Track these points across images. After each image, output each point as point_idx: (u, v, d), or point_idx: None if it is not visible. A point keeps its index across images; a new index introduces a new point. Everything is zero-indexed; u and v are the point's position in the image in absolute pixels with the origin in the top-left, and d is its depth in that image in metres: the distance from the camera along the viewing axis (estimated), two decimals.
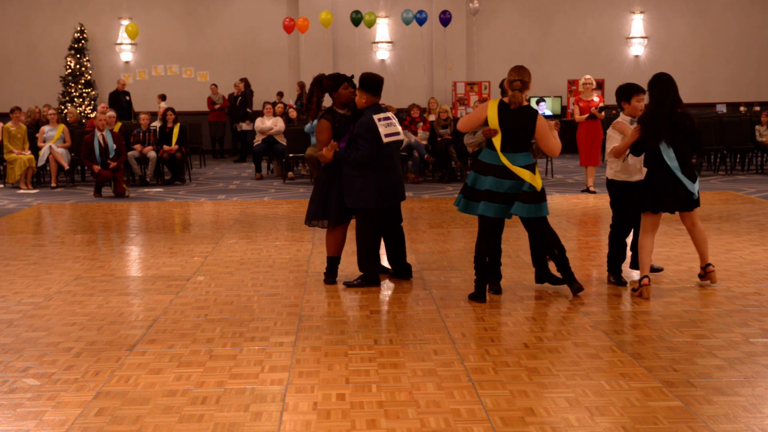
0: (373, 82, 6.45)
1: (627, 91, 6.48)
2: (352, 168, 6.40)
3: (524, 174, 5.91)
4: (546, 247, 6.20)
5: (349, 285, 6.61)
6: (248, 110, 19.11)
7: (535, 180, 5.93)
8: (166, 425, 3.93)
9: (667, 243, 8.13)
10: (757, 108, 19.00)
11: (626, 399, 4.17)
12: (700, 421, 3.88)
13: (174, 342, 5.24)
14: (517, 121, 5.95)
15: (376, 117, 6.38)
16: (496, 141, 5.94)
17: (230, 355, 4.95)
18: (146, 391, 4.37)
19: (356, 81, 6.55)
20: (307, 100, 6.59)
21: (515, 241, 8.45)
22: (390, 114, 6.58)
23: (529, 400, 4.17)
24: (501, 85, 6.67)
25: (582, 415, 3.97)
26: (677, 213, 6.29)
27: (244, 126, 18.86)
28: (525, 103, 5.99)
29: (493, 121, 5.94)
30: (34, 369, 4.75)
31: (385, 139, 6.38)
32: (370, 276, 6.60)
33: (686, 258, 7.49)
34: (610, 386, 4.35)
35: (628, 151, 6.31)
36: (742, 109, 19.32)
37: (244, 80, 19.18)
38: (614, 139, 6.50)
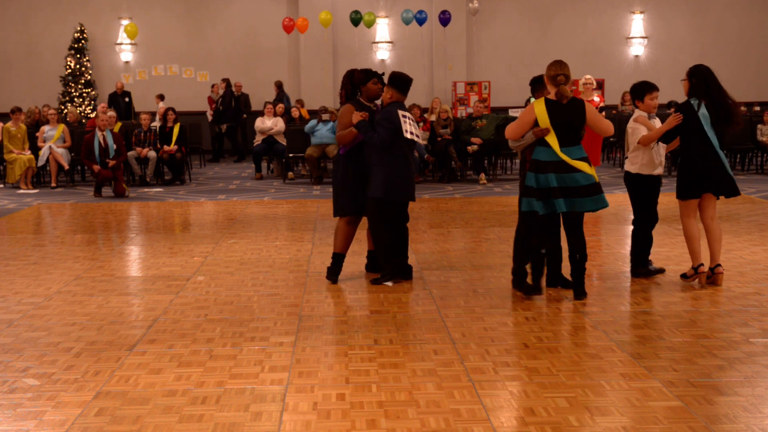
0: (402, 81, 6.68)
1: (641, 90, 6.72)
2: (371, 158, 6.58)
3: (584, 166, 5.99)
4: (580, 244, 6.22)
5: (377, 282, 6.67)
6: (243, 111, 19.29)
7: (592, 171, 6.03)
8: (166, 425, 3.93)
9: (667, 243, 8.13)
10: (757, 108, 18.99)
11: (626, 399, 4.17)
12: (700, 421, 3.88)
13: (174, 342, 5.24)
14: (569, 114, 6.00)
15: (400, 112, 6.58)
16: (551, 138, 5.97)
17: (230, 355, 4.95)
18: (146, 391, 4.37)
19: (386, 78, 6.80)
20: (342, 87, 6.85)
21: None
22: (410, 115, 6.73)
23: (529, 400, 4.17)
24: (533, 83, 6.54)
25: (582, 415, 3.97)
26: (698, 204, 6.50)
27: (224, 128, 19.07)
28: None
29: (544, 120, 5.96)
30: (34, 369, 4.75)
31: (406, 134, 6.53)
32: (395, 269, 6.67)
33: (686, 258, 7.47)
34: (610, 386, 4.35)
35: (655, 142, 6.54)
36: (742, 109, 19.31)
37: (226, 80, 19.14)
38: (639, 131, 6.63)
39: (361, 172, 6.67)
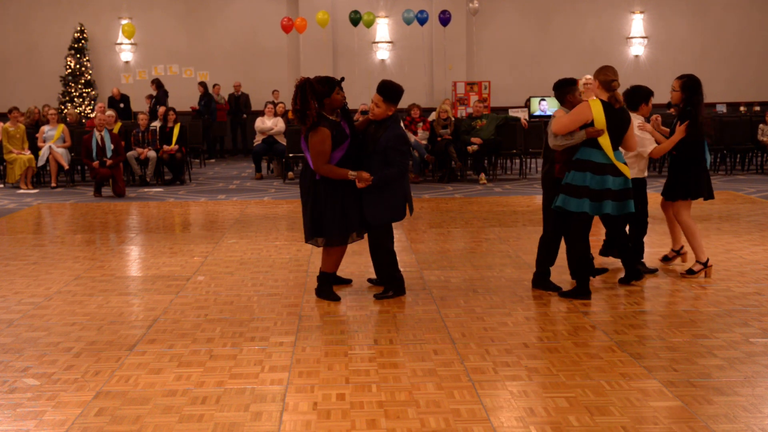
0: (396, 93, 6.06)
1: (644, 96, 6.89)
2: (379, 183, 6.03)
3: (627, 170, 6.11)
4: (624, 237, 6.46)
5: (379, 298, 6.25)
6: (243, 111, 19.28)
7: (629, 175, 6.24)
8: (166, 425, 3.93)
9: (667, 243, 8.12)
10: (757, 108, 19.00)
11: (626, 399, 4.17)
12: (700, 421, 3.88)
13: (174, 342, 5.24)
14: (620, 119, 6.10)
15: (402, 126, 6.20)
16: (605, 140, 6.02)
17: (230, 355, 4.95)
18: (146, 391, 4.37)
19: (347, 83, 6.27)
20: (301, 106, 5.83)
21: (515, 241, 8.46)
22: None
23: (529, 400, 4.17)
24: (560, 86, 6.37)
25: (582, 415, 3.97)
26: (663, 202, 7.14)
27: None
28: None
29: (601, 121, 5.99)
30: (34, 369, 4.75)
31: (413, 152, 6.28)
32: (399, 285, 6.32)
33: (686, 258, 7.48)
34: (610, 386, 4.35)
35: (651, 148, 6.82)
36: (742, 109, 19.32)
37: (203, 84, 19.12)
38: (648, 140, 6.81)
39: (344, 196, 6.03)
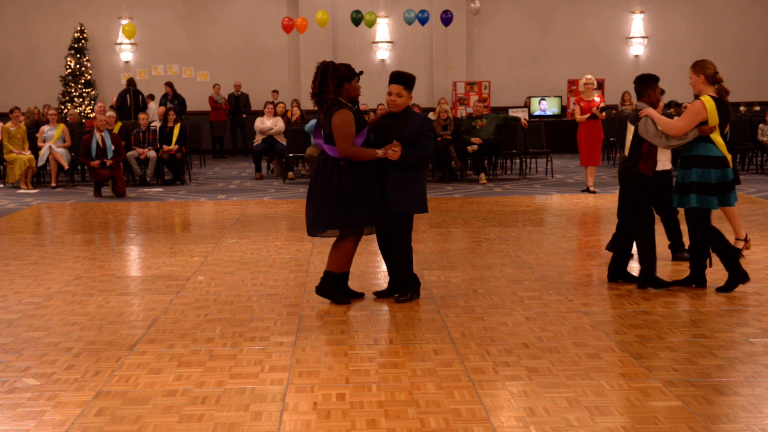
0: (414, 80, 5.99)
1: (653, 82, 6.69)
2: (404, 171, 5.87)
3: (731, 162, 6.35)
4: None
5: (403, 301, 6.08)
6: (243, 111, 19.34)
7: None
8: (166, 425, 3.93)
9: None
10: (757, 108, 18.99)
11: (626, 399, 4.17)
12: (700, 421, 3.88)
13: (174, 342, 5.24)
14: (726, 112, 6.22)
15: None
16: (717, 135, 6.18)
17: (230, 355, 4.95)
18: (146, 391, 4.37)
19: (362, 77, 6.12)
20: (320, 88, 5.74)
21: (515, 241, 8.46)
22: None
23: (529, 400, 4.17)
24: (643, 80, 6.46)
25: (582, 415, 3.97)
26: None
27: None
28: None
29: (714, 117, 6.11)
30: (33, 369, 4.75)
31: None
32: (418, 286, 6.18)
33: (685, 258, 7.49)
34: (610, 386, 4.35)
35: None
36: (742, 109, 19.31)
37: (169, 84, 19.10)
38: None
39: (373, 182, 5.90)
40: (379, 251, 6.46)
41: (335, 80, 5.73)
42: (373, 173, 5.89)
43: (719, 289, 6.31)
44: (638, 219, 6.37)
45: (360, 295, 6.27)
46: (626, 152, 6.72)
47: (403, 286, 6.14)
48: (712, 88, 6.21)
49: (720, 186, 6.20)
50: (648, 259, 6.37)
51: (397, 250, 6.03)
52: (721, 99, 6.18)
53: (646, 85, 6.42)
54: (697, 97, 6.28)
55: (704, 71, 6.22)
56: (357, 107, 5.97)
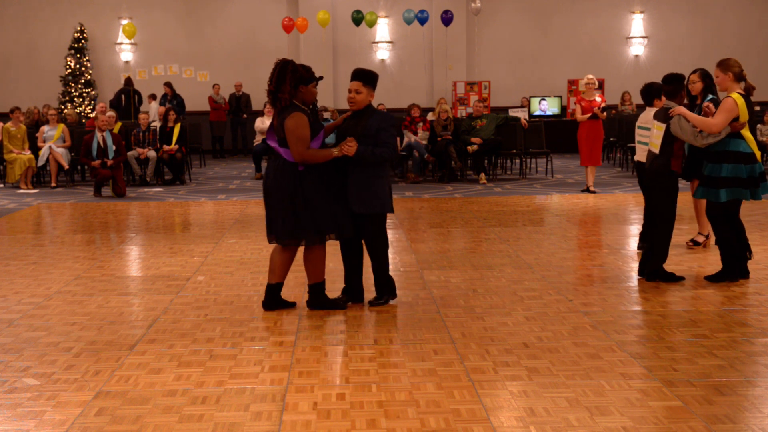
0: (375, 76, 5.80)
1: (658, 90, 7.25)
2: (365, 170, 5.73)
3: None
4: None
5: (378, 304, 5.99)
6: (243, 111, 19.40)
7: None
8: (166, 425, 3.93)
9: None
10: (757, 108, 18.96)
11: (626, 399, 4.17)
12: (700, 421, 3.88)
13: (174, 342, 5.24)
14: (753, 108, 6.35)
15: None
16: (747, 131, 6.35)
17: (230, 355, 4.95)
18: (146, 391, 4.37)
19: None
20: (276, 86, 5.55)
21: (515, 241, 8.46)
22: None
23: (529, 400, 4.17)
24: (671, 81, 6.57)
25: (582, 415, 3.97)
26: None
27: None
28: None
29: (745, 114, 6.25)
30: (33, 369, 4.75)
31: None
32: (393, 289, 6.08)
33: (687, 258, 7.49)
34: (610, 386, 4.35)
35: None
36: None
37: (168, 84, 19.09)
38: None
39: (333, 186, 5.72)
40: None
41: (293, 81, 5.54)
42: (337, 181, 5.73)
43: (707, 277, 6.61)
44: (663, 214, 6.53)
45: (292, 305, 6.01)
46: (656, 151, 6.57)
47: (379, 289, 6.03)
48: (739, 85, 6.33)
49: (751, 180, 6.36)
50: (661, 254, 6.53)
51: (372, 252, 5.89)
52: (747, 95, 6.30)
53: (681, 85, 6.63)
54: (712, 97, 6.55)
55: (731, 69, 6.34)
56: (314, 109, 5.75)
